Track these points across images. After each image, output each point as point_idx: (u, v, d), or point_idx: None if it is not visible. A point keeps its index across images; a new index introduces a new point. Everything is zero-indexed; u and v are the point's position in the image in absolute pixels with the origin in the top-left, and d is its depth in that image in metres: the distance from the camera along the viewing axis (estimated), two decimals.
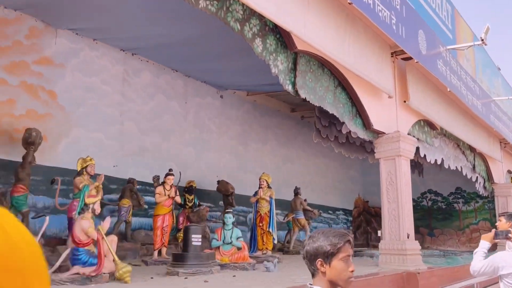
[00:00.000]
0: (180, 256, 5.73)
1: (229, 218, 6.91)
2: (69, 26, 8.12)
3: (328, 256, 1.61)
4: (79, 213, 4.76)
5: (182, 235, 8.95)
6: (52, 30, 8.04)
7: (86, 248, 4.61)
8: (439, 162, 10.26)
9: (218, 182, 10.30)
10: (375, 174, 17.89)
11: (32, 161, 6.85)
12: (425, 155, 9.52)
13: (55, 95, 8.02)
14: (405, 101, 7.71)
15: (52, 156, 7.75)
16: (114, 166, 8.88)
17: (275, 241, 8.02)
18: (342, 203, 16.73)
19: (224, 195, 10.36)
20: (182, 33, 7.84)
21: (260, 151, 12.91)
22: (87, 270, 4.49)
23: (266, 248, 7.88)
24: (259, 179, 8.59)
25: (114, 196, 8.64)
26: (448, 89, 8.63)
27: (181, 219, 9.43)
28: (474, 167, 12.39)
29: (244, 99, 12.43)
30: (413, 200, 16.96)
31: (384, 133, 7.19)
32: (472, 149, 12.13)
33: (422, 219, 16.62)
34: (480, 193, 13.77)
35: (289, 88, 5.54)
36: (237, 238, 6.81)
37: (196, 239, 5.76)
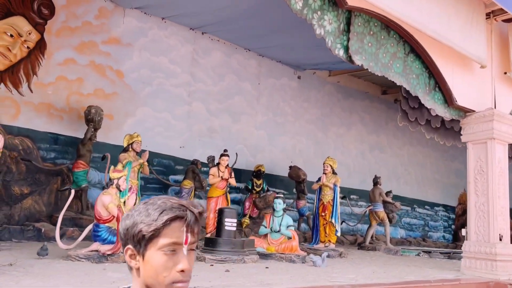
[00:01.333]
0: (211, 240, 5.28)
1: (279, 204, 6.25)
2: (137, 5, 8.14)
3: (139, 243, 0.96)
4: (103, 188, 4.58)
5: (246, 220, 8.60)
6: (120, 10, 8.13)
7: (107, 224, 4.40)
8: None
9: (290, 167, 9.67)
10: None
11: (93, 137, 6.97)
12: None
13: (122, 75, 8.11)
14: (505, 73, 6.23)
15: (118, 134, 7.85)
16: (180, 147, 8.79)
17: (338, 233, 7.12)
18: (443, 198, 14.85)
19: (296, 181, 9.70)
20: (245, 2, 7.33)
21: (343, 137, 11.91)
22: (105, 248, 4.28)
23: (329, 241, 7.05)
24: (323, 163, 7.74)
25: (179, 177, 8.54)
26: None
27: (247, 204, 9.03)
28: None
29: (326, 80, 11.53)
30: None
31: (473, 111, 5.87)
32: None
33: None
34: None
35: (340, 53, 4.68)
36: (288, 227, 6.13)
37: (230, 224, 5.26)
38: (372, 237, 9.50)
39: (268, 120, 10.24)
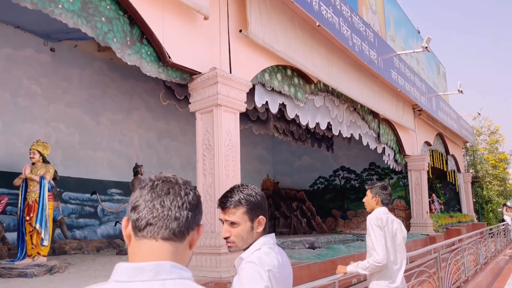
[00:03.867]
0: None
1: None
2: None
3: None
4: None
5: None
6: None
7: None
8: (323, 126, 8.09)
9: None
10: (286, 151, 15.83)
11: None
12: (297, 116, 7.30)
13: None
14: (241, 31, 5.34)
15: None
16: None
17: (45, 243, 5.35)
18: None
19: None
20: None
21: (121, 124, 10.25)
22: None
23: (38, 253, 5.30)
24: (29, 149, 5.92)
25: None
26: (317, 24, 6.36)
27: None
28: (378, 136, 10.41)
29: (94, 56, 9.66)
30: (325, 179, 15.11)
31: (200, 72, 4.78)
32: (375, 115, 10.13)
33: (335, 200, 14.71)
34: (391, 168, 11.93)
35: None
36: None
37: None
38: None
39: (2, 102, 7.92)
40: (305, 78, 7.14)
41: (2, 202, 5.64)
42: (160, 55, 4.40)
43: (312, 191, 15.09)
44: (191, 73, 4.79)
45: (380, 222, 3.13)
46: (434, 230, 12.13)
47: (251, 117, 10.02)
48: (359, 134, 9.61)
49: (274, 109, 6.54)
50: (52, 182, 5.36)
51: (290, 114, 6.98)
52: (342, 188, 14.57)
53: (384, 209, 3.28)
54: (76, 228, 8.85)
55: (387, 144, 10.94)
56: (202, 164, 4.69)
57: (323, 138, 13.12)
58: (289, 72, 6.76)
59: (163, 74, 4.49)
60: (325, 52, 7.35)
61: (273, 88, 6.37)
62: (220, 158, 4.54)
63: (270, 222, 14.95)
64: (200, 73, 4.75)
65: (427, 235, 11.33)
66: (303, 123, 7.42)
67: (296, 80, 6.94)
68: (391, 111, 10.49)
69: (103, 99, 9.81)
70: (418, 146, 12.57)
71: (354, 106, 9.21)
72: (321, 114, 7.96)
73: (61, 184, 8.63)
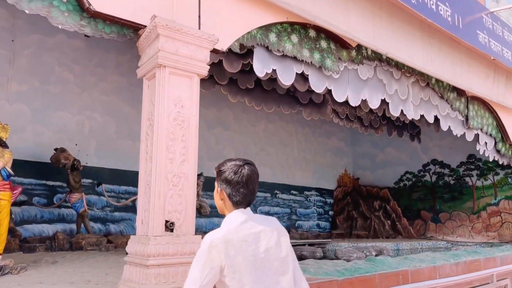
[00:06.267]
0: None
1: None
2: None
3: None
4: None
5: None
6: None
7: None
8: (373, 104, 6.32)
9: (55, 150, 7.23)
10: (367, 143, 13.87)
11: None
12: (330, 91, 5.71)
13: None
14: None
15: None
16: None
17: None
18: (316, 181, 12.90)
19: (64, 168, 7.33)
20: None
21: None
22: None
23: None
24: None
25: None
26: None
27: None
28: (467, 119, 8.15)
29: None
30: (413, 175, 12.80)
31: (145, 26, 3.63)
32: (460, 92, 7.91)
33: (424, 200, 12.36)
34: (491, 160, 9.44)
35: None
36: None
37: None
38: None
39: (31, 90, 7.72)
40: (339, 41, 5.53)
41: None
42: (80, 2, 3.36)
43: (397, 189, 12.93)
44: (135, 28, 3.67)
45: (218, 247, 1.62)
46: None
47: (301, 100, 8.62)
48: (435, 116, 7.53)
49: (287, 80, 5.10)
50: (7, 169, 4.73)
51: (316, 87, 5.45)
52: (434, 185, 12.17)
53: (238, 216, 1.73)
54: (111, 222, 8.40)
55: (481, 130, 8.56)
56: (144, 146, 3.54)
57: (405, 126, 10.99)
58: (311, 33, 5.25)
59: (87, 28, 3.44)
60: (367, 4, 5.65)
61: (284, 54, 4.95)
62: (161, 136, 3.34)
63: (347, 223, 13.18)
64: (146, 26, 3.61)
65: None
66: (339, 99, 5.80)
67: (323, 43, 5.39)
68: (486, 87, 8.13)
69: (142, 85, 9.23)
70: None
71: (426, 80, 7.21)
72: (369, 88, 6.22)
73: (95, 176, 8.24)
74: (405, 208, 12.66)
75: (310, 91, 6.74)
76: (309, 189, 12.64)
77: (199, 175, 8.82)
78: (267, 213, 11.34)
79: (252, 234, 1.67)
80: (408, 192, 12.68)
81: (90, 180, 8.10)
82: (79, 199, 7.37)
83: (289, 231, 11.50)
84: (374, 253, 8.79)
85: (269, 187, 11.51)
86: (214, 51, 3.87)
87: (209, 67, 3.72)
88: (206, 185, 9.88)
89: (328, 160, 13.35)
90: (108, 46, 8.65)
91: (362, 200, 13.45)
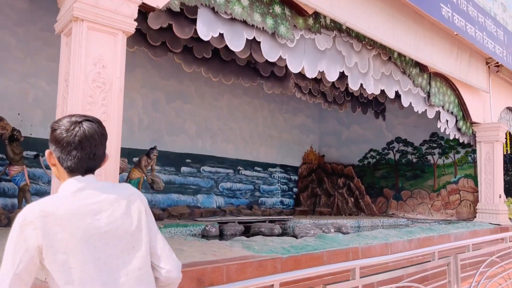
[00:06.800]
0: None
1: None
2: None
3: None
4: None
5: None
6: None
7: None
8: (331, 76, 6.05)
9: None
10: (332, 120, 13.70)
11: None
12: (285, 60, 5.39)
13: None
14: None
15: None
16: None
17: None
18: (281, 157, 12.70)
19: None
20: None
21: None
22: None
23: None
24: None
25: None
26: None
27: None
28: (429, 95, 8.02)
29: None
30: (377, 152, 12.72)
31: None
32: (422, 68, 7.73)
33: (387, 178, 12.37)
34: (452, 138, 9.42)
35: None
36: None
37: None
38: None
39: None
40: (294, 7, 5.19)
41: None
42: None
43: (361, 166, 12.90)
44: None
45: (34, 223, 1.32)
46: (510, 218, 9.41)
47: (263, 73, 8.27)
48: (396, 92, 7.35)
49: (237, 46, 4.74)
50: None
51: (269, 56, 5.12)
52: (397, 163, 12.17)
53: (71, 184, 1.44)
54: None
55: (443, 107, 8.47)
56: (61, 111, 3.16)
57: (369, 102, 10.83)
58: None
59: None
60: None
61: (233, 17, 4.57)
62: (76, 99, 2.96)
63: (310, 200, 13.11)
64: None
65: (498, 224, 8.69)
66: (294, 70, 5.49)
67: (277, 8, 5.03)
68: (448, 64, 7.98)
69: None
70: (494, 112, 9.77)
71: (388, 54, 6.98)
72: (327, 60, 5.93)
73: (41, 148, 7.72)
74: (369, 185, 12.66)
75: (271, 63, 6.44)
76: (274, 165, 12.43)
77: (153, 149, 8.44)
78: (230, 190, 11.11)
79: (86, 205, 1.35)
80: (372, 170, 12.66)
81: (34, 152, 7.59)
82: (20, 172, 6.89)
83: (251, 208, 11.32)
84: (332, 230, 8.70)
85: (232, 163, 11.23)
86: (145, 7, 3.47)
87: (136, 23, 3.32)
88: (164, 160, 9.53)
89: (294, 137, 13.14)
90: (55, 8, 7.99)
91: (326, 177, 13.38)
